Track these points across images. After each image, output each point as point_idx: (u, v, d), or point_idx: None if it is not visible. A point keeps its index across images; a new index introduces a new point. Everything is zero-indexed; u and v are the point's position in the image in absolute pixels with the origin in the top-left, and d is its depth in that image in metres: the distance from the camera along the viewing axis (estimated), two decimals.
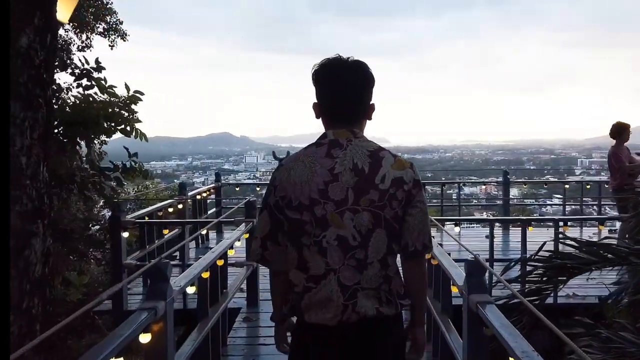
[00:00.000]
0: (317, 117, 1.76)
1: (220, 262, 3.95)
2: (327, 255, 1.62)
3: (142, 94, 4.84)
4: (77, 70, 5.14)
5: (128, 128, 4.73)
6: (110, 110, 4.68)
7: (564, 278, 3.57)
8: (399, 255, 1.73)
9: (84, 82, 4.73)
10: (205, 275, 3.64)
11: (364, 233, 1.62)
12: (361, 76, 1.70)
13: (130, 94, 4.79)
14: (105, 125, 4.64)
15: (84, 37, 9.96)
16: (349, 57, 1.71)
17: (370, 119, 1.76)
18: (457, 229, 6.36)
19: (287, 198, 1.65)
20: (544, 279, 3.59)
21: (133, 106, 4.81)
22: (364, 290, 1.62)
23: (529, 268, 3.82)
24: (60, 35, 9.81)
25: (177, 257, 6.17)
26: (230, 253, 4.55)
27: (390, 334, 1.69)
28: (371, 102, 1.74)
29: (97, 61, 4.77)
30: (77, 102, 4.68)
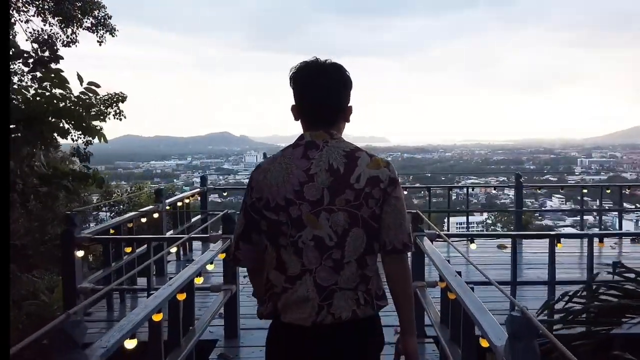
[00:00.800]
0: (296, 119, 1.76)
1: (181, 296, 3.21)
2: (302, 256, 1.63)
3: (97, 86, 4.21)
4: (30, 60, 4.54)
5: (107, 126, 4.15)
6: (64, 105, 3.99)
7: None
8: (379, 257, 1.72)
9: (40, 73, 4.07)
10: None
11: (340, 233, 1.62)
12: (339, 80, 1.71)
13: (85, 86, 4.12)
14: (64, 123, 3.95)
15: (69, 31, 9.42)
16: (326, 60, 1.71)
17: (348, 121, 1.77)
18: (473, 246, 4.91)
19: (264, 199, 1.66)
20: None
21: (118, 105, 4.27)
22: (342, 290, 1.63)
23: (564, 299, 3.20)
24: (44, 29, 9.57)
25: (154, 273, 5.53)
26: (210, 267, 4.07)
27: (366, 338, 1.68)
28: (349, 105, 1.75)
29: (51, 48, 4.09)
30: (32, 97, 4.01)
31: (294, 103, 1.75)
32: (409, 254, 1.83)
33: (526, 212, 11.44)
